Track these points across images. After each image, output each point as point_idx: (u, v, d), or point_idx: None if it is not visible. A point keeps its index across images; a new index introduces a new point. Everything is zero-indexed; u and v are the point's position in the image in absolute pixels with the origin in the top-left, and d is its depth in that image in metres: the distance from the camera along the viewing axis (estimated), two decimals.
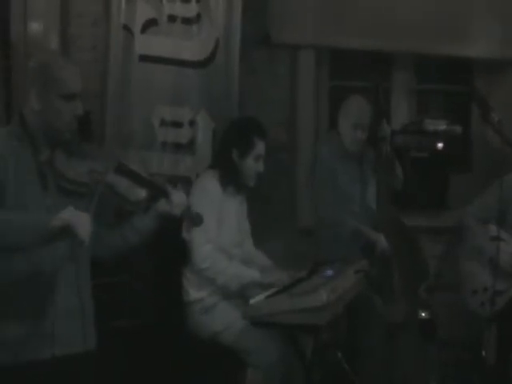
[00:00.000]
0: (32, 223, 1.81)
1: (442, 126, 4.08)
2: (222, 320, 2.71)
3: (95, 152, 2.00)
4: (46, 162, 1.94)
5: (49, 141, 1.96)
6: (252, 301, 2.40)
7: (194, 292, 2.77)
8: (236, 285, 2.70)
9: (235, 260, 2.79)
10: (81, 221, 1.76)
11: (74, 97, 1.96)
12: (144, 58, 3.36)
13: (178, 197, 2.04)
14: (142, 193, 1.98)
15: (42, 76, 1.95)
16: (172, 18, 3.39)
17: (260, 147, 2.83)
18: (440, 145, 4.01)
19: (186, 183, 3.26)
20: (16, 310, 1.91)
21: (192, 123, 3.48)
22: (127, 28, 3.32)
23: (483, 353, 3.18)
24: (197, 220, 2.15)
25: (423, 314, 3.23)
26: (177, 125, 3.46)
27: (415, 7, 3.92)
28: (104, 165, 1.94)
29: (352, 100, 3.29)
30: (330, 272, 2.64)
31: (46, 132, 1.96)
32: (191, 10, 3.42)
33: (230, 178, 2.82)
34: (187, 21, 3.42)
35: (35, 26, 3.27)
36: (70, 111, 1.95)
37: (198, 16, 3.44)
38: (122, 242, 2.10)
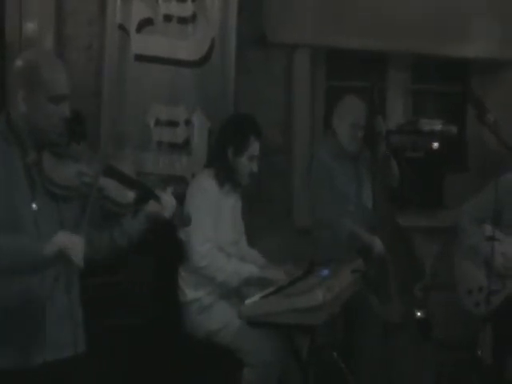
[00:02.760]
0: (25, 249, 1.79)
1: (437, 126, 4.09)
2: (218, 319, 2.71)
3: (84, 154, 1.98)
4: (34, 165, 1.92)
5: (36, 142, 1.93)
6: (247, 301, 2.40)
7: (191, 292, 2.76)
8: (236, 281, 2.70)
9: (230, 257, 2.79)
10: (74, 245, 1.75)
11: (63, 99, 1.93)
12: (139, 58, 3.35)
13: (167, 199, 2.03)
14: (131, 195, 1.97)
15: (29, 77, 1.92)
16: (168, 18, 3.38)
17: (255, 147, 2.83)
18: (435, 145, 4.02)
19: (182, 183, 3.26)
20: (7, 317, 1.89)
21: (187, 123, 3.48)
22: (123, 27, 3.31)
23: (479, 352, 3.18)
24: (186, 221, 2.15)
25: (419, 314, 3.23)
26: (172, 124, 3.45)
27: (413, 7, 3.92)
28: (93, 167, 1.92)
29: (348, 100, 3.29)
30: (325, 272, 2.64)
31: (32, 133, 1.93)
32: (187, 9, 3.41)
33: (226, 175, 2.82)
34: (183, 20, 3.41)
35: (30, 26, 3.25)
36: (57, 114, 1.91)
37: (194, 16, 3.44)
38: (111, 244, 2.07)
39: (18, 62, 1.97)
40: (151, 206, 2.02)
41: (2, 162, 1.89)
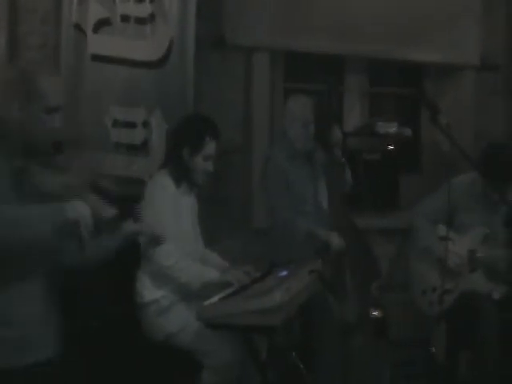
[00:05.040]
0: (47, 213, 1.83)
1: (393, 128, 4.17)
2: (177, 321, 2.69)
3: (69, 166, 1.99)
4: (21, 173, 1.93)
5: (25, 150, 1.95)
6: (206, 302, 2.40)
7: (149, 293, 2.74)
8: (197, 284, 2.69)
9: (193, 258, 2.78)
10: (86, 217, 1.82)
11: (56, 110, 1.97)
12: (96, 58, 3.30)
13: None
14: (113, 212, 1.97)
15: (25, 87, 1.94)
16: (125, 18, 3.35)
17: (210, 147, 2.82)
18: (391, 147, 4.10)
19: (140, 184, 3.23)
20: None
21: (146, 124, 3.45)
22: (79, 27, 3.27)
23: (433, 350, 3.26)
24: (161, 240, 2.17)
25: (375, 313, 3.29)
26: (130, 125, 3.42)
27: (370, 12, 3.99)
28: (78, 179, 1.93)
29: (296, 100, 3.33)
30: (284, 273, 2.66)
31: (22, 141, 1.95)
32: (144, 9, 3.39)
33: (182, 175, 2.81)
34: (141, 21, 3.38)
35: None
36: (50, 124, 1.95)
37: (152, 16, 3.41)
38: (88, 257, 2.08)
39: (15, 71, 2.01)
40: (131, 226, 2.03)
41: None
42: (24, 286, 1.92)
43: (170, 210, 2.72)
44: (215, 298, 2.43)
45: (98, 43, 3.31)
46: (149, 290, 2.74)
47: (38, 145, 1.96)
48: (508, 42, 4.37)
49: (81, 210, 1.83)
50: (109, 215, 1.97)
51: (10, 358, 1.91)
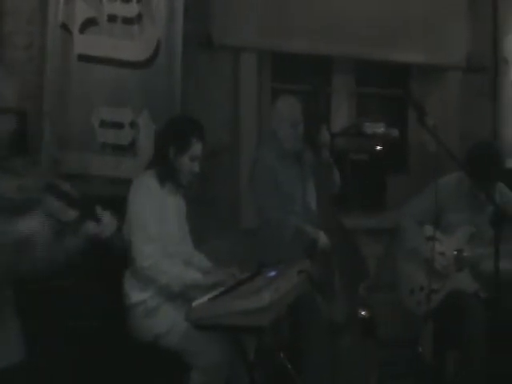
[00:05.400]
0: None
1: (380, 129, 4.19)
2: (165, 322, 2.68)
3: (27, 169, 1.96)
4: None
5: None
6: (194, 303, 2.39)
7: (136, 294, 2.73)
8: (178, 286, 2.68)
9: (176, 260, 2.78)
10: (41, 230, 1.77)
11: (9, 111, 1.91)
12: (83, 58, 3.29)
13: (107, 220, 2.03)
14: (73, 214, 1.96)
15: None
16: (112, 18, 3.34)
17: (197, 148, 2.82)
18: (378, 147, 4.12)
19: (127, 185, 3.22)
20: None
21: (133, 124, 3.44)
22: (65, 27, 3.25)
23: (420, 349, 3.27)
24: (124, 244, 2.16)
25: (363, 313, 3.30)
26: (117, 126, 3.41)
27: (356, 13, 4.01)
28: (36, 182, 1.90)
29: (285, 101, 3.34)
30: (272, 273, 2.66)
31: None
32: (132, 9, 3.38)
33: (167, 175, 2.80)
34: (128, 21, 3.38)
35: None
36: (2, 126, 1.89)
37: (139, 16, 3.41)
38: (48, 260, 2.05)
39: None
40: (91, 227, 2.01)
41: None
42: None
43: (153, 211, 2.71)
44: (204, 299, 2.42)
45: (85, 43, 3.29)
46: (135, 291, 2.73)
47: None
48: (493, 43, 4.41)
49: (34, 225, 1.78)
50: (69, 217, 1.95)
51: None
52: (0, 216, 1.80)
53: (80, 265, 2.25)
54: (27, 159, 1.97)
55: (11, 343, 1.99)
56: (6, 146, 1.91)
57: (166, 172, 2.80)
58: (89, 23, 3.29)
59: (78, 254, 2.06)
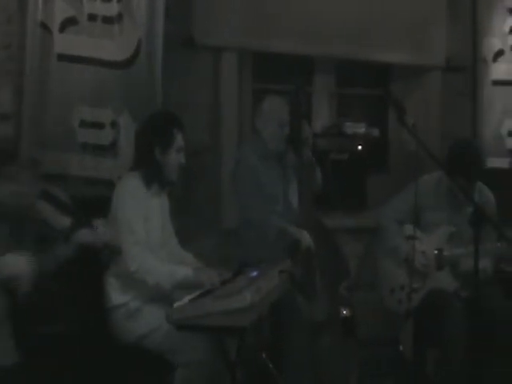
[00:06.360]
0: None
1: (360, 128, 4.22)
2: (147, 323, 2.67)
3: (20, 176, 1.94)
4: None
5: None
6: (176, 304, 2.38)
7: (118, 296, 2.72)
8: (169, 284, 2.66)
9: (163, 260, 2.77)
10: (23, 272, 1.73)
11: (6, 118, 1.90)
12: (63, 58, 3.27)
13: (102, 229, 2.02)
14: (67, 221, 1.95)
15: None
16: (92, 17, 3.31)
17: (180, 138, 2.83)
18: (359, 147, 4.15)
19: (108, 186, 3.20)
20: None
21: (114, 125, 3.42)
22: (45, 26, 3.22)
23: (400, 348, 3.29)
24: (117, 252, 2.15)
25: (344, 312, 3.31)
26: (98, 126, 3.39)
27: (337, 13, 4.03)
28: (30, 188, 1.89)
29: (271, 101, 3.34)
30: (254, 273, 2.66)
31: None
32: (112, 9, 3.36)
33: (154, 176, 2.80)
34: (108, 20, 3.35)
35: None
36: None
37: (120, 15, 3.39)
38: (38, 266, 2.04)
39: None
40: (86, 235, 2.00)
41: None
42: None
43: (139, 214, 2.70)
44: (185, 300, 2.42)
45: (65, 42, 3.27)
46: (117, 293, 2.72)
47: None
48: (473, 43, 4.45)
49: (21, 264, 1.76)
50: (63, 225, 1.94)
51: None
52: None
53: (66, 271, 2.25)
54: (19, 163, 1.96)
55: (3, 347, 1.97)
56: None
57: (152, 173, 2.79)
58: (68, 22, 3.26)
59: (67, 261, 2.05)
